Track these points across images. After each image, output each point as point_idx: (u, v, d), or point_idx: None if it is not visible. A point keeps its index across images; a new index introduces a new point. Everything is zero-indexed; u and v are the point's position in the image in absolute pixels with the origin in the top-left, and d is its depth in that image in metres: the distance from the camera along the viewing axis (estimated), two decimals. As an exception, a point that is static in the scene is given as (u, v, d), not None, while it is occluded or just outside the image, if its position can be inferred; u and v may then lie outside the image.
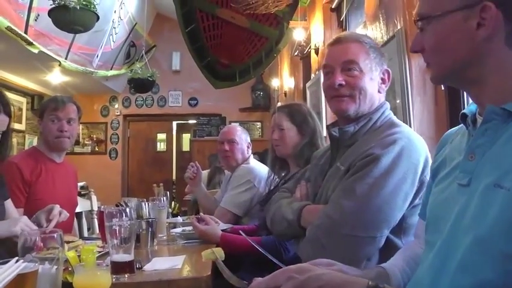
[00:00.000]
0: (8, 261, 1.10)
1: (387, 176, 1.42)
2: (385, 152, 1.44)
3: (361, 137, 1.61)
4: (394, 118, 1.67)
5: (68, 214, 2.31)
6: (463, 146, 1.03)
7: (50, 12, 4.11)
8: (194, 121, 10.35)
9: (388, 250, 1.40)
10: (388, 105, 1.68)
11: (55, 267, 1.22)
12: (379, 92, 1.65)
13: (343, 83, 1.60)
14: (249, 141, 3.36)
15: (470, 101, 1.07)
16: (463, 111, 1.07)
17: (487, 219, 0.85)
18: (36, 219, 2.18)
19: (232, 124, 3.51)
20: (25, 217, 2.01)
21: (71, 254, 1.48)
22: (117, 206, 2.34)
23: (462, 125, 1.09)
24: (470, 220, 0.90)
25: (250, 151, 3.33)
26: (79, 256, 1.58)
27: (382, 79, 1.66)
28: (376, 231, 1.41)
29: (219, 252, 1.37)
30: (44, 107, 2.75)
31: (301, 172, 1.97)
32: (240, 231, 1.89)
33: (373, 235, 1.41)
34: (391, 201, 1.41)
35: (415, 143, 1.49)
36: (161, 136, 10.98)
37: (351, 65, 1.60)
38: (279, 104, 7.71)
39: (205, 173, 6.32)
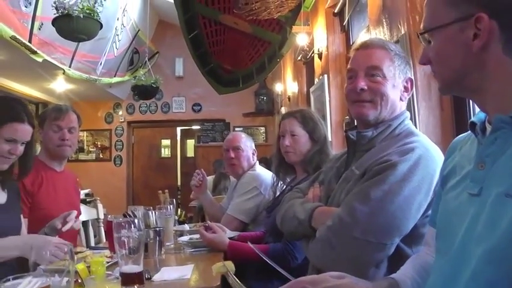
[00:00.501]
0: (20, 276, 1.11)
1: (403, 183, 1.41)
2: (402, 160, 1.44)
3: (379, 143, 1.61)
4: (413, 127, 1.67)
5: (80, 225, 2.33)
6: (473, 154, 1.03)
7: (54, 22, 4.14)
8: (198, 127, 10.38)
9: (398, 258, 1.40)
10: (408, 114, 1.68)
11: (66, 279, 1.23)
12: (400, 99, 1.64)
13: (365, 88, 1.59)
14: (254, 147, 3.36)
15: (478, 108, 1.07)
16: (471, 119, 1.07)
17: (498, 230, 0.85)
18: (51, 224, 2.22)
19: (237, 131, 3.52)
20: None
21: (80, 266, 1.48)
22: (124, 216, 2.34)
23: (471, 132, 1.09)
24: (481, 230, 0.90)
25: (255, 158, 3.33)
26: (88, 267, 1.58)
27: (405, 87, 1.64)
28: (387, 238, 1.40)
29: (230, 266, 1.37)
30: (45, 116, 2.75)
31: (316, 174, 1.96)
32: (249, 242, 1.88)
33: (383, 242, 1.40)
34: (405, 210, 1.41)
35: (432, 154, 1.48)
36: (165, 142, 11.03)
37: (375, 70, 1.59)
38: (283, 108, 7.72)
39: (210, 179, 6.33)
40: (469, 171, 1.02)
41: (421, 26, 1.08)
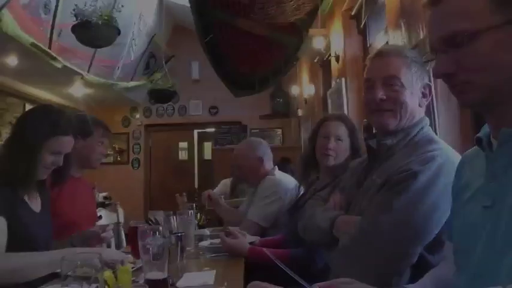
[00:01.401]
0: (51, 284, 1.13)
1: (425, 192, 1.41)
2: (424, 169, 1.44)
3: (399, 151, 1.61)
4: (433, 134, 1.66)
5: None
6: (482, 169, 1.04)
7: (73, 29, 4.22)
8: (215, 129, 10.39)
9: (420, 266, 1.40)
10: (427, 120, 1.67)
11: (94, 285, 1.25)
12: (419, 106, 1.64)
13: (385, 97, 1.59)
14: (261, 155, 3.29)
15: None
16: (477, 135, 1.07)
17: None
18: (83, 234, 2.33)
19: (239, 145, 3.58)
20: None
21: (107, 274, 1.50)
22: (147, 222, 2.37)
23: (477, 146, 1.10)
24: (503, 241, 0.90)
25: (267, 164, 3.31)
26: (114, 272, 1.61)
27: (423, 93, 1.64)
28: (410, 248, 1.41)
29: None
30: (91, 129, 2.79)
31: (336, 182, 1.97)
32: (265, 250, 1.88)
33: (407, 251, 1.41)
34: (428, 218, 1.41)
35: (453, 161, 1.44)
36: (183, 145, 11.04)
37: (393, 80, 1.59)
38: (300, 111, 7.71)
39: (227, 182, 6.34)
40: (480, 185, 1.03)
41: (453, 29, 0.97)
